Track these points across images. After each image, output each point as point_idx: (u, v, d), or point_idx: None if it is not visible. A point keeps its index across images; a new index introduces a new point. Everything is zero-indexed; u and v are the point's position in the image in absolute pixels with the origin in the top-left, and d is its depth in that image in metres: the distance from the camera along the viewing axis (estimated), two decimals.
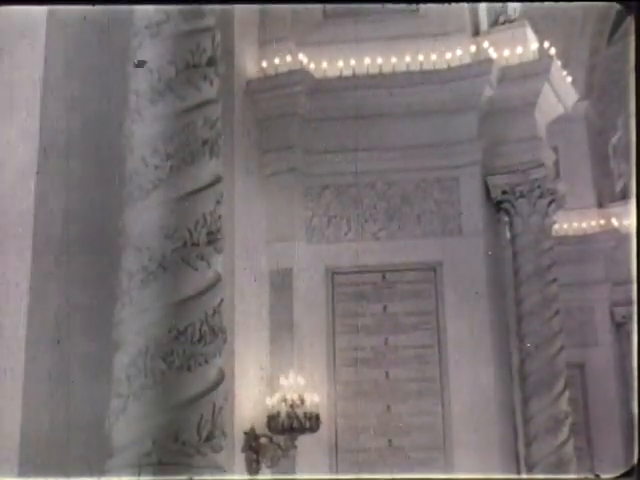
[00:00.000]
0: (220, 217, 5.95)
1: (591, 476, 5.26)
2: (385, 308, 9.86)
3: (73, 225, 6.86)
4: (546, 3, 8.67)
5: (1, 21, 6.89)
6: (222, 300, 5.87)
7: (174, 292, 5.66)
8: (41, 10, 6.99)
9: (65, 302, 6.69)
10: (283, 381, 9.13)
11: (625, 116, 14.63)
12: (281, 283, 9.85)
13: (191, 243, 5.73)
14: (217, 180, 6.00)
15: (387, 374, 9.68)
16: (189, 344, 5.60)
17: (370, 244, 9.98)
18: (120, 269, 5.78)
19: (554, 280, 10.24)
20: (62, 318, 6.69)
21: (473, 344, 9.51)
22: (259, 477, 8.70)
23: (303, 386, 9.10)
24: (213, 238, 5.86)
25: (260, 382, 9.27)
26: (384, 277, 9.93)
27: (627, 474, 5.07)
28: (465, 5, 10.67)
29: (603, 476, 5.19)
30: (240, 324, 8.92)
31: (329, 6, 10.81)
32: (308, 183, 10.18)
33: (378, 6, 10.66)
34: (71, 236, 6.80)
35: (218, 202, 5.99)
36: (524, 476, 9.57)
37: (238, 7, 9.82)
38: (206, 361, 5.65)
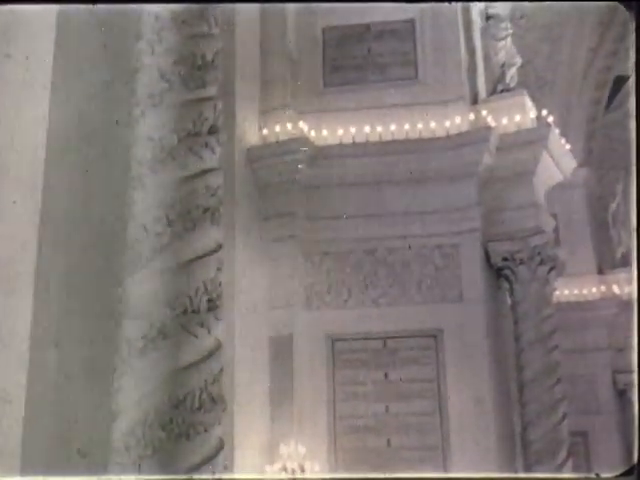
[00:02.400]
0: (221, 284, 5.94)
1: (591, 475, 5.20)
2: (386, 375, 9.80)
3: (73, 292, 6.85)
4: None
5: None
6: (222, 368, 5.83)
7: (174, 360, 5.63)
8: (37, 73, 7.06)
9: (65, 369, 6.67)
10: (283, 449, 9.05)
11: (624, 183, 14.73)
12: (281, 350, 9.81)
13: (191, 310, 5.71)
14: (218, 247, 6.00)
15: (388, 442, 9.59)
16: (188, 412, 5.55)
17: (371, 311, 9.96)
18: (119, 337, 5.75)
19: (556, 347, 10.20)
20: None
21: (475, 412, 9.43)
22: (259, 477, 8.58)
23: (303, 454, 9.01)
24: (213, 305, 5.84)
25: (260, 450, 9.18)
26: (385, 344, 9.89)
27: (627, 473, 5.03)
28: (464, 73, 10.80)
29: (603, 475, 5.15)
30: (240, 392, 8.86)
31: (329, 75, 10.95)
32: (308, 250, 10.19)
33: (378, 74, 10.80)
34: (71, 303, 6.78)
35: (219, 269, 5.98)
36: (524, 475, 9.47)
37: (240, 74, 9.95)
38: (205, 430, 5.59)
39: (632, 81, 5.17)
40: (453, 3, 11.11)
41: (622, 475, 5.06)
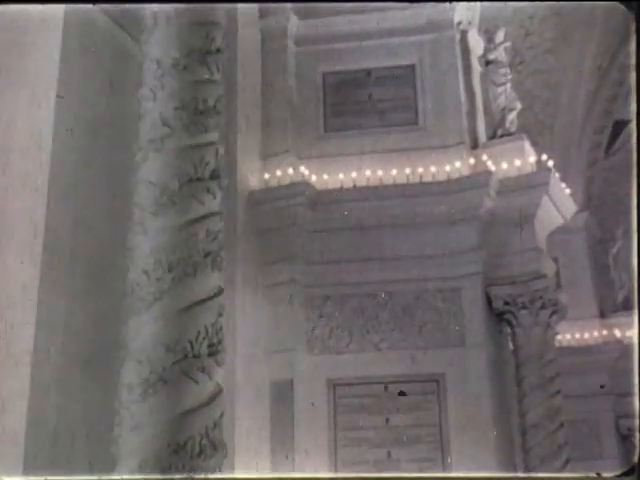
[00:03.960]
0: (221, 329, 5.93)
1: (592, 474, 5.17)
2: (387, 420, 9.74)
3: (73, 336, 6.84)
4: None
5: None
6: (223, 413, 5.80)
7: (174, 405, 5.60)
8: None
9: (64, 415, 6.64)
10: None
11: (624, 227, 14.75)
12: (282, 394, 9.76)
13: (192, 355, 5.69)
14: (219, 292, 6.00)
15: None
16: (189, 458, 5.51)
17: (372, 355, 9.93)
18: (120, 382, 5.73)
19: (558, 392, 10.14)
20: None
21: (477, 458, 9.35)
22: (258, 477, 8.46)
23: None
24: (214, 350, 5.82)
25: None
26: (386, 389, 9.84)
27: (627, 473, 5.01)
28: (464, 118, 10.87)
29: (604, 475, 5.11)
30: (240, 437, 8.80)
31: (330, 120, 11.01)
32: (309, 294, 10.18)
33: (379, 119, 10.87)
34: (71, 348, 6.77)
35: (220, 314, 5.97)
36: (524, 475, 9.36)
37: (242, 119, 10.01)
38: (206, 476, 5.55)
39: (632, 82, 5.18)
40: (454, 47, 11.20)
41: (622, 475, 5.06)
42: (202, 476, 5.42)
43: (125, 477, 5.38)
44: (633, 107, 5.14)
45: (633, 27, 5.22)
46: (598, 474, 5.20)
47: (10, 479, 6.08)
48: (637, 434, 5.21)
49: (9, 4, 6.24)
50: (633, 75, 5.20)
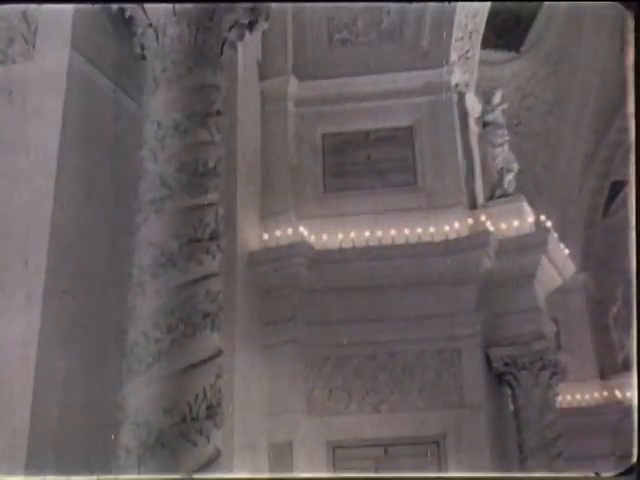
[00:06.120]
0: (220, 391, 5.90)
1: (591, 474, 5.10)
2: None
3: (71, 399, 6.78)
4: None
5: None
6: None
7: (172, 468, 5.55)
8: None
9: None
10: None
11: (624, 287, 14.72)
12: (281, 456, 9.66)
13: (190, 418, 5.66)
14: (218, 353, 5.99)
15: None
16: None
17: (371, 417, 9.85)
18: (118, 446, 5.68)
19: (559, 454, 10.04)
20: None
21: None
22: (258, 477, 8.30)
23: None
24: (213, 412, 5.79)
25: None
26: (386, 451, 9.74)
27: (626, 472, 4.96)
28: (462, 179, 10.92)
29: (603, 474, 5.05)
30: None
31: (329, 180, 11.06)
32: (309, 354, 10.12)
33: (377, 180, 10.92)
34: (69, 411, 6.71)
35: (218, 375, 5.95)
36: (524, 475, 9.18)
37: (241, 180, 10.05)
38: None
39: (631, 80, 5.20)
40: (452, 109, 11.29)
41: (622, 474, 5.03)
42: (202, 476, 5.37)
43: (125, 477, 5.32)
44: (631, 107, 5.17)
45: (632, 26, 5.26)
46: (597, 474, 5.17)
47: (10, 479, 6.01)
48: (635, 434, 5.17)
49: (9, 4, 6.30)
50: (632, 75, 5.23)
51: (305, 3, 11.42)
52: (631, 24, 5.26)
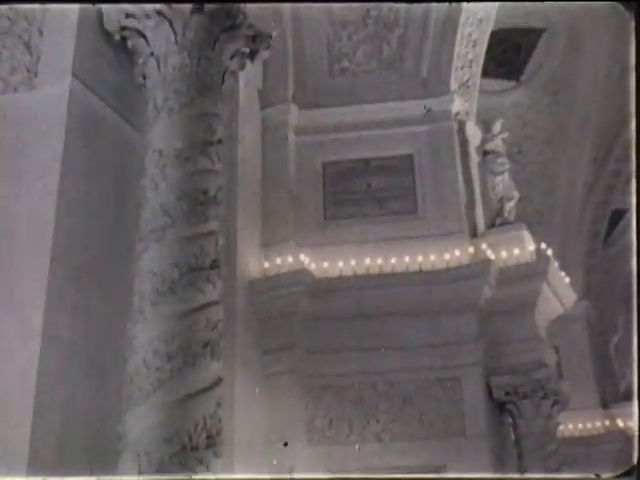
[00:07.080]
0: (220, 420, 5.87)
1: (591, 476, 5.06)
2: None
3: (71, 429, 6.75)
4: None
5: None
6: None
7: None
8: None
9: None
10: None
11: (625, 316, 14.71)
12: None
13: (190, 447, 5.63)
14: (218, 382, 5.97)
15: None
16: None
17: (372, 446, 9.79)
18: (117, 474, 5.65)
19: None
20: None
21: None
22: (257, 477, 8.22)
23: None
24: (213, 442, 5.76)
25: None
26: None
27: (627, 474, 4.92)
28: (462, 207, 10.93)
29: (603, 476, 5.01)
30: None
31: (329, 209, 11.07)
32: (309, 383, 10.08)
33: (378, 208, 10.93)
34: (69, 442, 6.67)
35: (218, 404, 5.93)
36: (524, 475, 9.09)
37: (242, 208, 10.06)
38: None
39: (632, 80, 5.20)
40: (452, 138, 11.33)
41: (622, 475, 5.00)
42: (202, 476, 5.34)
43: (125, 477, 5.29)
44: (632, 108, 5.18)
45: (632, 26, 5.28)
46: (597, 475, 5.14)
47: (9, 479, 5.97)
48: (636, 435, 5.15)
49: (7, 4, 6.32)
50: (632, 75, 5.24)
51: (305, 35, 11.49)
52: (631, 24, 5.28)
